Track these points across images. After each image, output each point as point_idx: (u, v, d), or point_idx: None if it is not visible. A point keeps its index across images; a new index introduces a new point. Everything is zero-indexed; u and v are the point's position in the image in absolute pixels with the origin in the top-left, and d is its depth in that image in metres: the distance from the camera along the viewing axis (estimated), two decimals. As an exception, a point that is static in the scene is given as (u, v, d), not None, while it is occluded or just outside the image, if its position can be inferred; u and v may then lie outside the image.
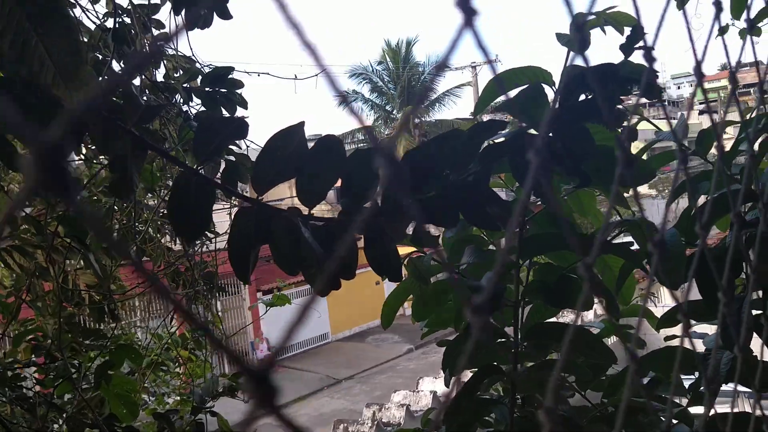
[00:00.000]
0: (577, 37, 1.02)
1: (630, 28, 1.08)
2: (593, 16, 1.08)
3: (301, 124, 0.91)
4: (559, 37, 1.08)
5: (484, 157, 1.07)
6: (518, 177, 1.14)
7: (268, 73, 2.70)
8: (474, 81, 22.56)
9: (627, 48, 1.07)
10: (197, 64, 2.33)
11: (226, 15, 1.68)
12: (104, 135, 0.91)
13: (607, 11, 1.06)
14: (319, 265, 0.96)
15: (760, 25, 2.25)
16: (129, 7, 2.27)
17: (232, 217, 0.94)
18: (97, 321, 2.45)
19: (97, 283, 2.32)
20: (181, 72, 2.32)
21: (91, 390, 1.98)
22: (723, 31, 2.41)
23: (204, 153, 0.87)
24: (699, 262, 1.23)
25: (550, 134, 1.09)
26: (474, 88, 22.24)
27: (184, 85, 1.91)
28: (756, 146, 1.32)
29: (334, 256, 0.97)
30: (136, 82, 2.25)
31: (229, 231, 0.96)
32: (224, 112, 1.86)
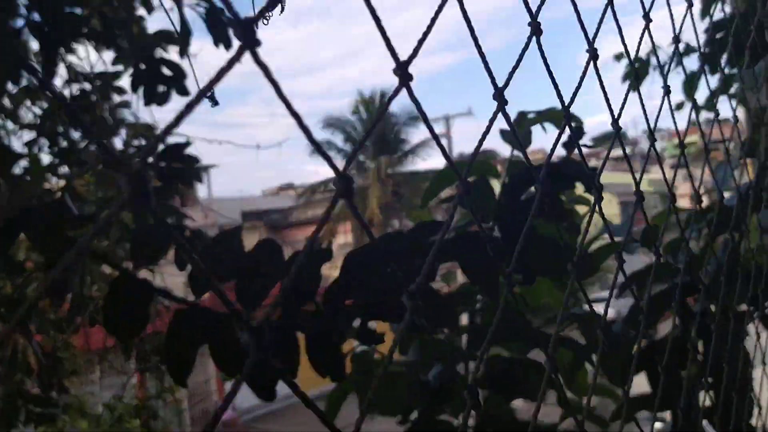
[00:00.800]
0: (518, 137, 1.04)
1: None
2: (533, 115, 1.10)
3: (238, 229, 0.90)
4: (503, 134, 1.09)
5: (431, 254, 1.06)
6: (466, 271, 1.14)
7: (230, 142, 2.70)
8: (446, 133, 22.93)
9: (569, 146, 1.09)
10: (157, 131, 2.32)
11: (184, 92, 1.69)
12: (40, 236, 0.89)
13: (548, 110, 1.09)
14: (258, 368, 0.94)
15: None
16: (91, 74, 2.27)
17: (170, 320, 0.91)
18: (45, 391, 2.36)
19: (48, 353, 2.25)
20: (142, 140, 2.30)
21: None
22: (678, 107, 2.51)
23: (141, 261, 0.85)
24: (647, 355, 1.23)
25: (495, 231, 1.09)
26: (447, 140, 22.59)
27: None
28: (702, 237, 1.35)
29: (271, 363, 0.95)
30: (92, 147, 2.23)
31: (165, 334, 0.93)
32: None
